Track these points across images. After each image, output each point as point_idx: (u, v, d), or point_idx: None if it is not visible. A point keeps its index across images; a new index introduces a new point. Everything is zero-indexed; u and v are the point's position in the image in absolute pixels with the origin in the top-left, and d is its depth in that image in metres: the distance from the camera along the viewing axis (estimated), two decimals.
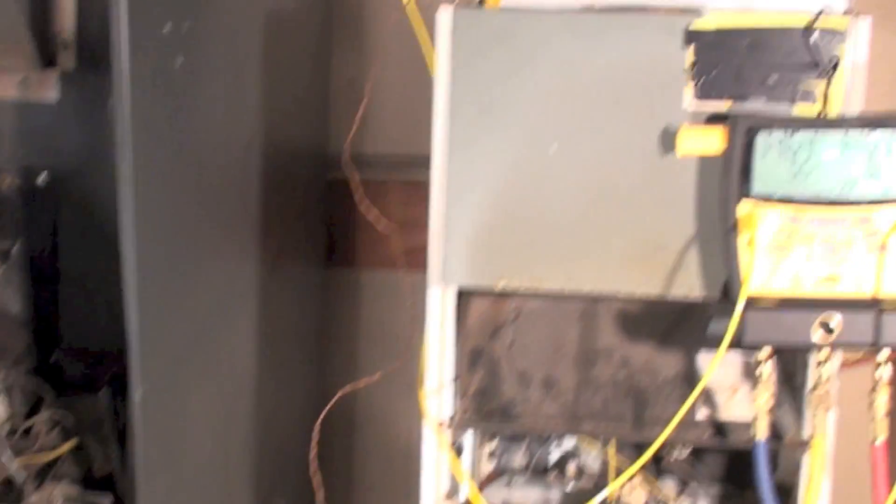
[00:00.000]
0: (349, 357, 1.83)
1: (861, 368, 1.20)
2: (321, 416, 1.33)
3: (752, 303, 1.06)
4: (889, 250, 1.06)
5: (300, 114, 1.64)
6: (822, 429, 1.12)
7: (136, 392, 1.14)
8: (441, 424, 1.21)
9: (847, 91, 1.10)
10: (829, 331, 1.05)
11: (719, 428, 1.20)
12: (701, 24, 1.11)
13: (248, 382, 1.47)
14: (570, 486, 1.33)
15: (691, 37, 1.11)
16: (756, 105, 1.11)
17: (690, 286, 1.14)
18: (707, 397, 1.20)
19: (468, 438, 1.29)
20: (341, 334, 1.84)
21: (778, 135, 1.06)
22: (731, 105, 1.11)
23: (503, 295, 1.22)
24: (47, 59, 1.39)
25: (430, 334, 1.21)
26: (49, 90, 1.40)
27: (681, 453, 1.30)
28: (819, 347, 1.07)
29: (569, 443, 1.35)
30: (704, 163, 1.12)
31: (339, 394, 1.34)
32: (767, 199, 1.07)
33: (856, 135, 1.05)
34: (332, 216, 1.76)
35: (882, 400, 1.08)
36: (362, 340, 1.84)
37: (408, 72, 1.59)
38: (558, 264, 1.16)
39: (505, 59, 1.13)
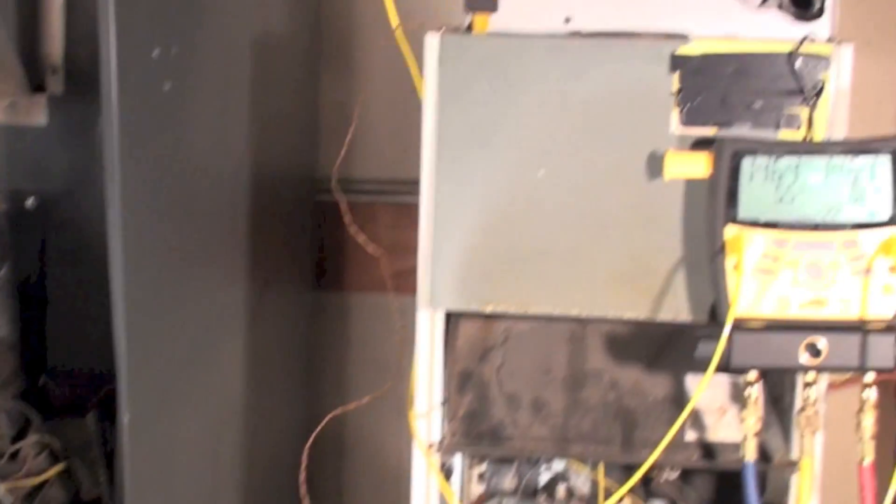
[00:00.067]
0: (338, 380, 1.83)
1: (849, 390, 1.21)
2: (310, 440, 1.33)
3: (739, 326, 1.06)
4: (874, 273, 1.06)
5: (289, 137, 1.64)
6: (810, 450, 1.13)
7: (125, 416, 1.14)
8: (430, 447, 1.22)
9: (831, 116, 1.11)
10: (816, 354, 1.05)
11: (708, 450, 1.20)
12: (686, 49, 1.12)
13: (236, 405, 1.47)
14: None
15: (677, 62, 1.12)
16: (741, 130, 1.12)
17: (678, 309, 1.15)
18: (696, 419, 1.20)
19: (458, 461, 1.29)
20: (330, 357, 1.84)
21: (763, 159, 1.07)
22: (717, 131, 1.12)
23: (492, 318, 1.22)
24: (35, 83, 1.39)
25: (419, 357, 1.21)
26: (37, 114, 1.41)
27: (670, 475, 1.30)
28: (806, 370, 1.08)
29: (558, 465, 1.35)
30: (691, 187, 1.12)
31: (328, 417, 1.34)
32: (753, 223, 1.07)
33: (840, 160, 1.06)
34: (321, 240, 1.76)
35: (869, 421, 1.09)
36: (351, 363, 1.84)
37: (396, 96, 1.60)
38: (546, 288, 1.16)
39: (493, 85, 1.14)
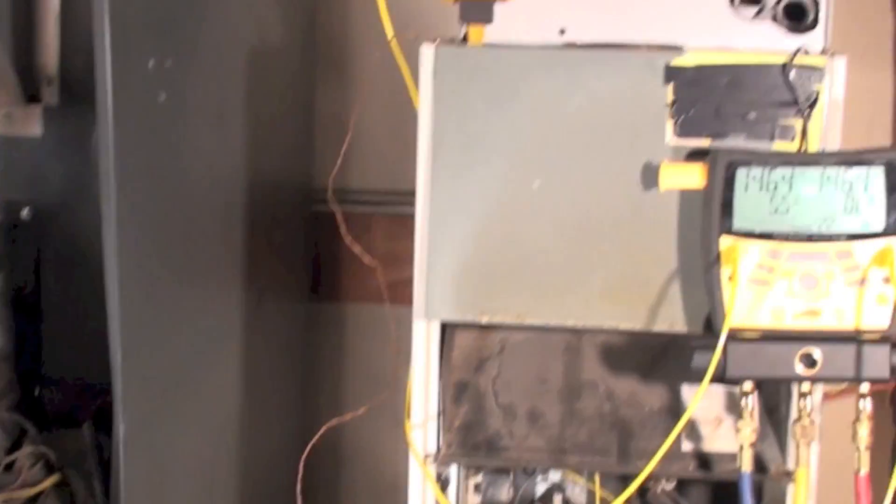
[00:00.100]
0: (334, 391, 1.83)
1: (845, 400, 1.21)
2: (307, 451, 1.33)
3: (734, 336, 1.06)
4: (868, 284, 1.07)
5: (284, 148, 1.64)
6: (806, 460, 1.13)
7: (120, 426, 1.14)
8: (427, 458, 1.21)
9: (824, 128, 1.11)
10: (811, 364, 1.05)
11: (704, 460, 1.20)
12: (681, 61, 1.12)
13: (232, 417, 1.46)
14: None
15: (671, 74, 1.12)
16: (736, 141, 1.12)
17: (674, 319, 1.15)
18: (692, 429, 1.20)
19: (454, 472, 1.29)
20: (326, 368, 1.84)
21: (757, 170, 1.07)
22: (712, 142, 1.12)
23: (488, 328, 1.22)
24: (31, 94, 1.39)
25: (415, 368, 1.21)
26: (32, 125, 1.41)
27: (666, 486, 1.30)
28: (801, 381, 1.08)
29: (555, 476, 1.35)
30: (686, 198, 1.13)
31: (324, 428, 1.34)
32: (748, 234, 1.08)
33: (834, 171, 1.07)
34: (317, 250, 1.76)
35: (864, 431, 1.09)
36: (347, 374, 1.84)
37: (392, 107, 1.60)
38: (542, 298, 1.16)
39: (488, 96, 1.14)
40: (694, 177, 1.09)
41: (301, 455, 1.33)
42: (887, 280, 1.06)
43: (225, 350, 1.43)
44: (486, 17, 1.16)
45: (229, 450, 1.46)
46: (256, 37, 1.47)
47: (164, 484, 1.26)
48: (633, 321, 1.15)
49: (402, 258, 1.29)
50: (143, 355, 1.17)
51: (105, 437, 1.33)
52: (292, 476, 1.36)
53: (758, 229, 1.08)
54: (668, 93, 1.12)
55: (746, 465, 1.11)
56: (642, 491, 1.29)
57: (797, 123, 1.11)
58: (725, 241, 1.08)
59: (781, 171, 1.07)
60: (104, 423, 1.23)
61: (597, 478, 1.30)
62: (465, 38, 1.17)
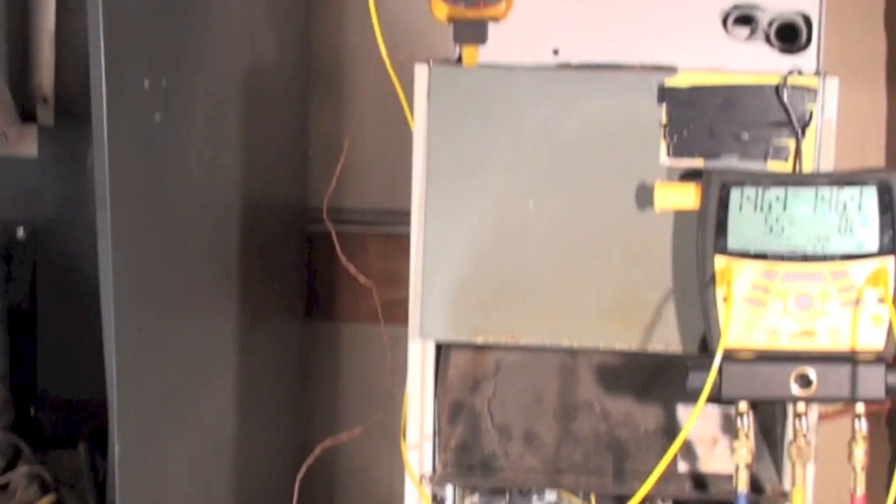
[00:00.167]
0: (329, 411, 1.83)
1: (841, 420, 1.21)
2: (302, 471, 1.32)
3: (729, 357, 1.06)
4: (863, 304, 1.07)
5: (279, 168, 1.65)
6: (802, 481, 1.12)
7: (116, 446, 1.14)
8: (422, 478, 1.21)
9: (818, 148, 1.12)
10: (807, 384, 1.05)
11: (700, 480, 1.19)
12: (674, 81, 1.12)
13: (227, 436, 1.46)
14: None
15: (665, 94, 1.12)
16: (730, 162, 1.12)
17: (669, 340, 1.15)
18: (687, 450, 1.20)
19: (449, 492, 1.28)
20: (321, 388, 1.83)
21: (751, 191, 1.07)
22: (705, 162, 1.12)
23: (483, 348, 1.22)
24: (26, 114, 1.40)
25: (410, 388, 1.20)
26: (28, 145, 1.41)
27: None
28: (796, 401, 1.08)
29: (550, 496, 1.34)
30: (680, 218, 1.13)
31: (319, 448, 1.34)
32: (743, 254, 1.08)
33: (827, 191, 1.07)
34: (312, 270, 1.76)
35: (860, 452, 1.09)
36: (342, 394, 1.83)
37: (386, 126, 1.60)
38: (537, 318, 1.16)
39: (482, 116, 1.15)
40: (688, 197, 1.10)
41: (296, 474, 1.33)
42: (882, 300, 1.07)
43: (220, 370, 1.43)
44: (480, 37, 1.16)
45: (225, 470, 1.46)
46: (251, 57, 1.47)
47: None
48: (628, 341, 1.15)
49: (397, 278, 1.29)
50: (138, 375, 1.17)
51: (100, 457, 1.32)
52: (287, 496, 1.36)
53: (752, 249, 1.08)
54: (662, 113, 1.13)
55: (742, 486, 1.11)
56: None
57: (791, 144, 1.12)
58: (720, 262, 1.08)
59: (775, 191, 1.07)
60: (100, 442, 1.23)
61: (592, 498, 1.30)
62: (459, 58, 1.17)
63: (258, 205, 1.50)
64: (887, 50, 1.68)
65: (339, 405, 1.83)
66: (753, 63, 1.14)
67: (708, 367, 1.05)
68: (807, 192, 1.07)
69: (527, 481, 1.22)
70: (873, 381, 1.05)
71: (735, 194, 1.07)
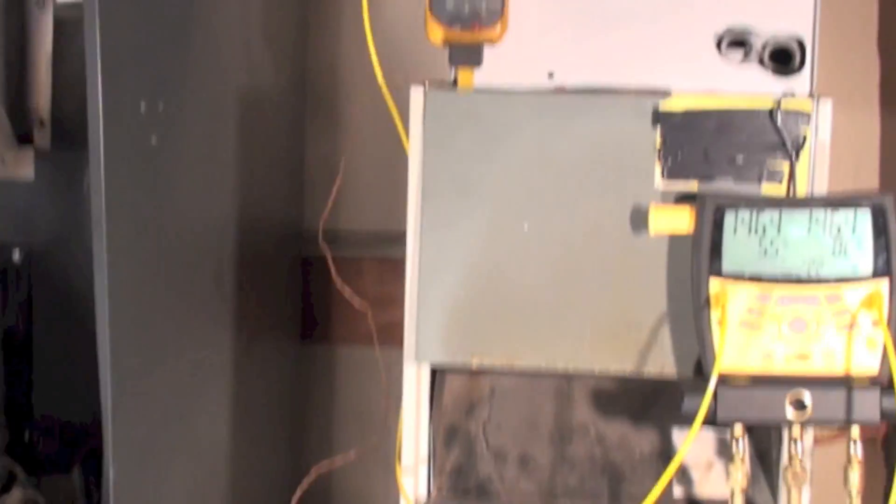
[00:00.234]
0: (324, 434, 1.82)
1: (836, 444, 1.21)
2: (297, 494, 1.32)
3: (724, 380, 1.06)
4: (858, 328, 1.07)
5: (275, 191, 1.65)
6: None
7: (110, 471, 1.13)
8: (417, 502, 1.21)
9: (812, 171, 1.12)
10: (802, 408, 1.05)
11: None
12: (669, 105, 1.13)
13: (222, 460, 1.45)
14: None
15: (659, 118, 1.13)
16: (724, 185, 1.12)
17: (664, 363, 1.14)
18: (683, 474, 1.20)
19: None
20: (316, 411, 1.83)
21: (745, 214, 1.08)
22: (700, 185, 1.13)
23: (478, 372, 1.22)
24: (23, 137, 1.40)
25: (405, 412, 1.20)
26: (24, 168, 1.41)
27: None
28: (791, 424, 1.08)
29: None
30: (675, 241, 1.13)
31: (314, 471, 1.33)
32: (737, 277, 1.08)
33: (821, 214, 1.07)
34: (308, 293, 1.76)
35: (855, 476, 1.08)
36: (337, 417, 1.83)
37: (382, 149, 1.61)
38: (532, 342, 1.16)
39: (478, 139, 1.15)
40: (682, 220, 1.10)
41: (291, 498, 1.33)
42: (877, 324, 1.07)
43: (215, 393, 1.42)
44: (475, 60, 1.16)
45: (220, 493, 1.45)
46: (247, 80, 1.48)
47: None
48: (623, 364, 1.15)
49: (392, 301, 1.29)
50: (133, 398, 1.17)
51: (95, 481, 1.32)
52: None
53: (747, 272, 1.08)
54: (657, 136, 1.13)
55: None
56: None
57: (785, 166, 1.12)
58: (715, 285, 1.08)
59: (769, 214, 1.07)
60: (94, 466, 1.22)
61: None
62: (455, 81, 1.18)
63: (254, 227, 1.51)
64: (881, 72, 1.68)
65: (334, 428, 1.82)
66: (747, 86, 1.14)
67: (703, 391, 1.05)
68: (801, 215, 1.07)
69: None
70: (868, 405, 1.05)
71: (729, 217, 1.08)
